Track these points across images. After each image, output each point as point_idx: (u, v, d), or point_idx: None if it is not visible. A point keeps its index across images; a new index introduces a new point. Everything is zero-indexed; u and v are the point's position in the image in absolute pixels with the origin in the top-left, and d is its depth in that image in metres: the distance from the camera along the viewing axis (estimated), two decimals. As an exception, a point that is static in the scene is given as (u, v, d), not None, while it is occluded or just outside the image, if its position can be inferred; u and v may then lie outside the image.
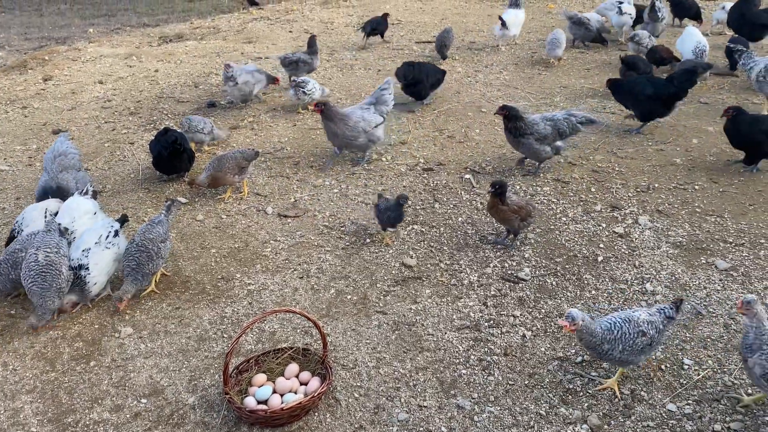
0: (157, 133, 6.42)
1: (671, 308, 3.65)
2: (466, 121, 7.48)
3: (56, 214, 5.05)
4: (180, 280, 4.86)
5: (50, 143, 7.37)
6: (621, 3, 9.99)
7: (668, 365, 3.84)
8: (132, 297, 4.51)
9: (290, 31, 12.19)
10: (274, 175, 6.46)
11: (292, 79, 8.25)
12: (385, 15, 10.97)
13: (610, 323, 3.52)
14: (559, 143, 5.99)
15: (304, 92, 7.90)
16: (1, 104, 8.87)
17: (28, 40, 13.45)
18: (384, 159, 6.66)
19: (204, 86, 9.23)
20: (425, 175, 6.29)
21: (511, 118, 5.83)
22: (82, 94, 9.13)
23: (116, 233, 4.68)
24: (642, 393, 3.65)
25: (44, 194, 5.40)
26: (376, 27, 10.84)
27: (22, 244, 4.60)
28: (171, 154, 6.18)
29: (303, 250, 5.18)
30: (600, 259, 4.89)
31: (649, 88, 6.63)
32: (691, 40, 8.38)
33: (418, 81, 7.81)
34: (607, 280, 4.66)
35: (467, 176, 6.18)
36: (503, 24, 9.86)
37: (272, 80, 8.47)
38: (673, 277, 4.63)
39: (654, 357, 3.86)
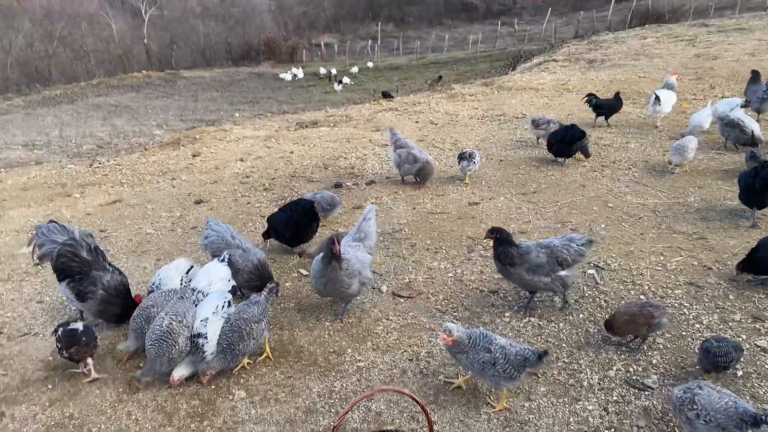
0: (287, 204, 6.79)
1: (534, 355, 4.05)
2: (590, 215, 7.26)
3: (189, 270, 5.44)
4: (294, 349, 4.97)
5: (192, 212, 8.06)
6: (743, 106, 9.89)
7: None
8: (217, 373, 4.58)
9: (416, 122, 12.71)
10: (391, 254, 6.58)
11: (460, 153, 8.71)
12: (617, 94, 11.27)
13: (473, 332, 4.21)
14: (563, 273, 5.11)
15: (474, 162, 8.51)
16: (155, 175, 9.89)
17: (183, 121, 15.09)
18: (502, 248, 6.58)
19: (333, 168, 9.76)
20: (544, 267, 6.11)
21: (501, 242, 5.12)
22: (225, 170, 9.98)
23: (229, 303, 4.87)
24: None
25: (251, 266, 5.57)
26: (602, 105, 11.18)
27: (154, 300, 4.95)
28: (308, 222, 6.53)
29: (414, 331, 5.15)
30: (740, 374, 4.41)
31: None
32: None
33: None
34: (747, 397, 4.16)
35: (590, 272, 5.92)
36: (657, 99, 10.05)
37: (424, 179, 8.59)
38: (832, 404, 4.05)
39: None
